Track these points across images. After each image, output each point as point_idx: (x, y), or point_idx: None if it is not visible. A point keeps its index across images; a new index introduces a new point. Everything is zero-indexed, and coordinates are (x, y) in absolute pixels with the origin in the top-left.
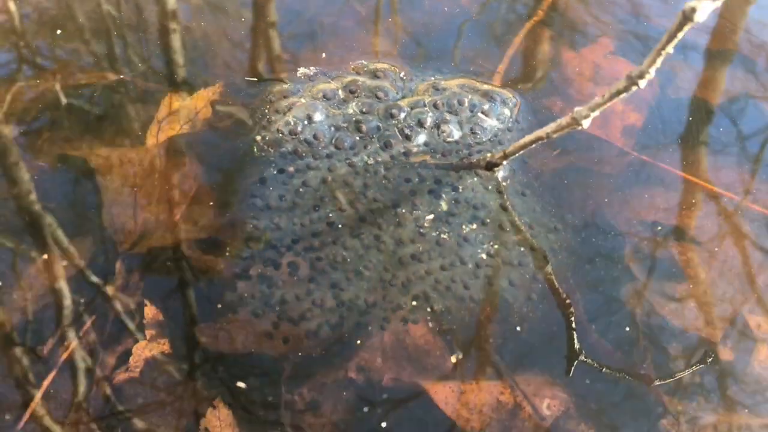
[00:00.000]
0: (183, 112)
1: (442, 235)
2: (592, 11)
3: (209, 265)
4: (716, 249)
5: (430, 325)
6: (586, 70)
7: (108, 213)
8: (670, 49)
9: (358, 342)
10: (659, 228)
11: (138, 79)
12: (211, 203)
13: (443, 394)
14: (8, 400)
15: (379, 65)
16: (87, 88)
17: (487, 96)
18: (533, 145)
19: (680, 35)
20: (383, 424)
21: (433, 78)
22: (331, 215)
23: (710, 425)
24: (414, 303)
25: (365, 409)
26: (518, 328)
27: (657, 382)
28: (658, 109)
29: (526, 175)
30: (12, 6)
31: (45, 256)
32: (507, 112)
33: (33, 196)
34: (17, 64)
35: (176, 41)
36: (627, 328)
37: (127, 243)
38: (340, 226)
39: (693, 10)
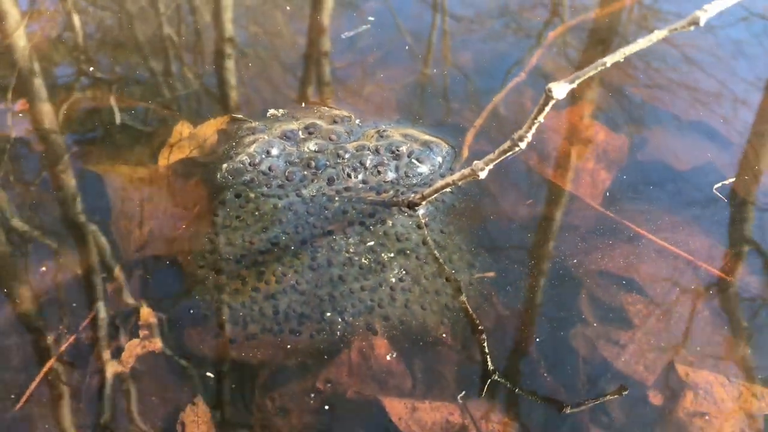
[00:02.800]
0: (193, 138)
1: (364, 261)
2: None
3: (197, 275)
4: (664, 303)
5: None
6: (562, 129)
7: (116, 224)
8: (541, 119)
9: (327, 356)
10: (614, 278)
11: (158, 106)
12: (199, 219)
13: (398, 410)
14: (9, 383)
15: (338, 112)
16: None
17: (425, 145)
18: (446, 189)
19: (547, 109)
20: None
21: (383, 126)
22: (276, 237)
23: None
24: (337, 316)
25: (328, 418)
26: (430, 349)
27: (567, 410)
28: (626, 170)
29: (449, 216)
30: (77, 23)
31: (57, 257)
32: (440, 159)
33: (60, 191)
34: (76, 77)
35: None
36: (571, 366)
37: (131, 250)
38: (283, 246)
39: (550, 90)
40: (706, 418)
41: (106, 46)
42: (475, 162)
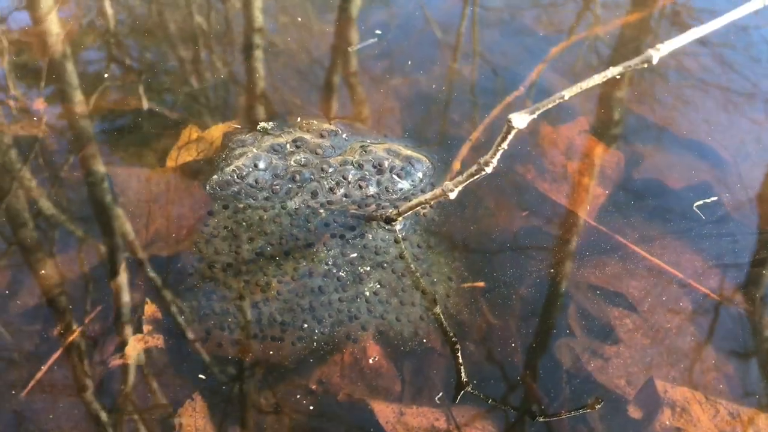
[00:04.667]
0: (200, 142)
1: (342, 273)
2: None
3: (199, 275)
4: (651, 319)
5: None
6: (560, 144)
7: (125, 222)
8: (504, 146)
9: (321, 359)
10: (603, 292)
11: (166, 109)
12: (200, 223)
13: (386, 414)
14: (17, 370)
15: (326, 126)
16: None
17: (406, 160)
18: (421, 206)
19: (509, 137)
20: None
21: (368, 141)
22: (261, 247)
23: None
24: (315, 325)
25: (319, 418)
26: (415, 360)
27: (540, 418)
28: (621, 187)
29: (429, 231)
30: (109, 10)
31: (65, 252)
32: (420, 175)
33: (69, 189)
34: (106, 63)
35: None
36: (555, 377)
37: (136, 249)
38: (267, 256)
39: (511, 120)
40: None
41: (137, 34)
42: (446, 183)
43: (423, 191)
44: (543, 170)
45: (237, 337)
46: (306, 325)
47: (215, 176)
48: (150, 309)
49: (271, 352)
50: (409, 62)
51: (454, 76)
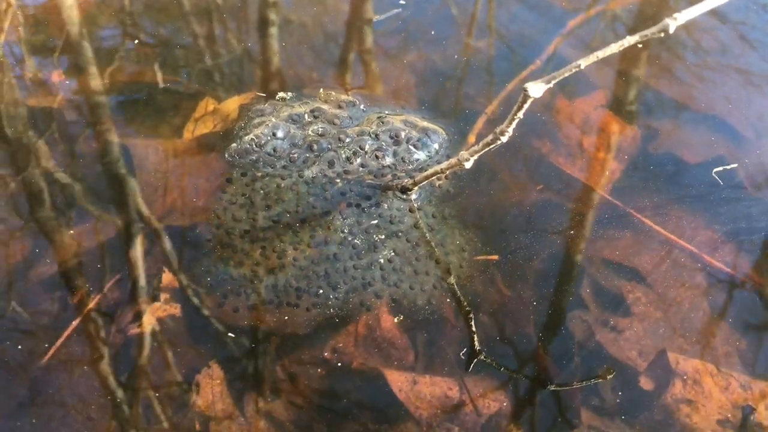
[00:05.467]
0: (216, 113)
1: (357, 241)
2: (592, 66)
3: (214, 243)
4: (664, 293)
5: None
6: (576, 118)
7: (142, 192)
8: (520, 115)
9: (336, 327)
10: (617, 266)
11: (182, 83)
12: (217, 192)
13: (399, 383)
14: (36, 340)
15: (344, 97)
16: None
17: (423, 132)
18: (437, 176)
19: (525, 107)
20: (345, 400)
21: (386, 112)
22: (277, 215)
23: None
24: (330, 291)
25: (333, 385)
26: (420, 328)
27: (551, 387)
28: (637, 162)
29: (444, 202)
30: None
31: (84, 222)
32: (436, 146)
33: (88, 161)
34: (121, 39)
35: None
36: (567, 349)
37: (154, 219)
38: (283, 224)
39: (527, 90)
40: (693, 405)
41: (151, 9)
42: (461, 152)
43: (439, 162)
44: (558, 144)
45: (253, 302)
46: (321, 292)
47: (234, 144)
48: (167, 278)
49: (286, 318)
50: (425, 37)
51: (470, 51)
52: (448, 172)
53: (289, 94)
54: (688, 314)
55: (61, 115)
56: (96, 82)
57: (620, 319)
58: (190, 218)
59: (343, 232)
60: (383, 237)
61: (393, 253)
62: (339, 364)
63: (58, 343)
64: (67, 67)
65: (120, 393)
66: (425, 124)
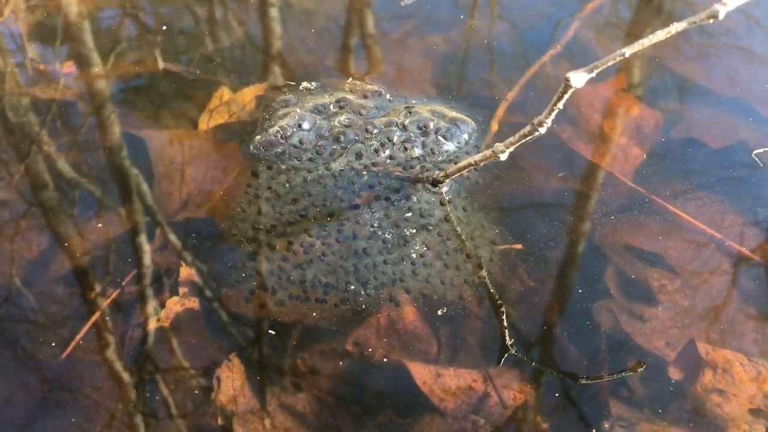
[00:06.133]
0: (232, 104)
1: (389, 236)
2: (612, 48)
3: (232, 236)
4: (690, 281)
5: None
6: (596, 103)
7: (157, 185)
8: (560, 105)
9: (358, 319)
10: (642, 253)
11: (200, 71)
12: (235, 185)
13: (423, 375)
14: (55, 334)
15: (369, 86)
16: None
17: (452, 122)
18: (468, 169)
19: (566, 97)
20: (368, 394)
21: (413, 102)
22: (305, 209)
23: None
24: (361, 288)
25: (357, 379)
26: (452, 323)
27: (583, 381)
28: (660, 146)
29: (473, 192)
30: None
31: (101, 215)
32: (466, 137)
33: (105, 153)
34: (120, 21)
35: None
36: (593, 339)
37: (171, 212)
38: (311, 218)
39: (569, 79)
40: (724, 395)
41: None
42: (497, 144)
43: (468, 153)
44: (579, 130)
45: (280, 297)
46: (352, 287)
47: (258, 136)
48: (185, 271)
49: (314, 314)
50: (442, 22)
51: (488, 36)
52: (481, 164)
53: (314, 83)
54: (716, 302)
55: (72, 108)
56: (104, 73)
57: (646, 308)
58: (207, 210)
59: (372, 226)
60: (414, 231)
61: (425, 248)
62: (362, 357)
63: (77, 338)
64: (73, 56)
65: (139, 387)
66: (454, 114)
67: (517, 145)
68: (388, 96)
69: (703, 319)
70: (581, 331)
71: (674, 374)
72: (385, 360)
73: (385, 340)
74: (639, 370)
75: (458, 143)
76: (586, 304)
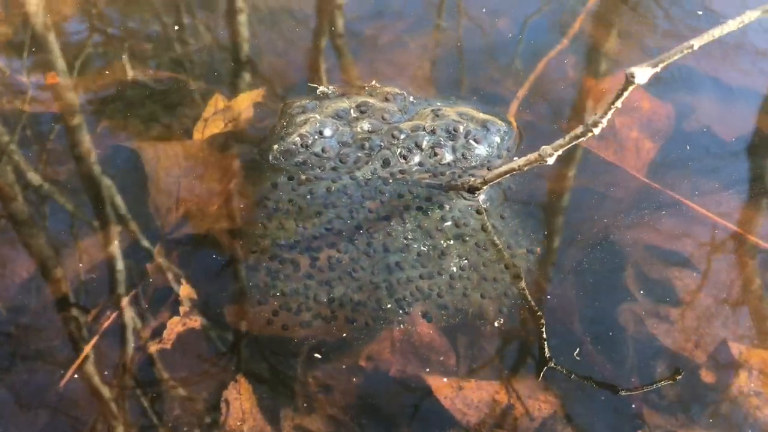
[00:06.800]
0: (227, 112)
1: (424, 248)
2: (619, 43)
3: (238, 253)
4: (714, 278)
5: (433, 326)
6: (605, 97)
7: (153, 200)
8: (618, 104)
9: (370, 335)
10: (661, 252)
11: (190, 79)
12: (242, 198)
13: (444, 389)
14: (55, 359)
15: (389, 89)
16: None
17: (482, 124)
18: (509, 174)
19: (626, 94)
20: (386, 412)
21: (438, 104)
22: (330, 221)
23: None
24: (395, 305)
25: (374, 394)
26: (488, 338)
27: (622, 393)
28: (672, 140)
29: (512, 200)
30: None
31: (96, 234)
32: (498, 140)
33: (97, 169)
34: (89, 33)
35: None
36: (619, 343)
37: (168, 228)
38: (337, 231)
39: (632, 75)
40: (763, 397)
41: (137, 4)
42: (543, 147)
43: (499, 157)
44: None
45: (307, 319)
46: (389, 306)
47: (276, 145)
48: (185, 290)
49: (344, 335)
50: (444, 19)
51: (491, 31)
52: (525, 169)
53: (330, 87)
54: (742, 299)
55: (58, 120)
56: (91, 84)
57: (671, 309)
58: (205, 225)
59: (406, 238)
60: (451, 242)
61: (464, 260)
62: (377, 372)
63: (75, 365)
64: (62, 70)
65: (144, 410)
66: (483, 116)
67: (567, 147)
68: (411, 98)
69: (729, 317)
70: (606, 336)
71: (707, 377)
72: (404, 375)
73: (399, 354)
74: (677, 378)
75: (490, 146)
76: (608, 308)
